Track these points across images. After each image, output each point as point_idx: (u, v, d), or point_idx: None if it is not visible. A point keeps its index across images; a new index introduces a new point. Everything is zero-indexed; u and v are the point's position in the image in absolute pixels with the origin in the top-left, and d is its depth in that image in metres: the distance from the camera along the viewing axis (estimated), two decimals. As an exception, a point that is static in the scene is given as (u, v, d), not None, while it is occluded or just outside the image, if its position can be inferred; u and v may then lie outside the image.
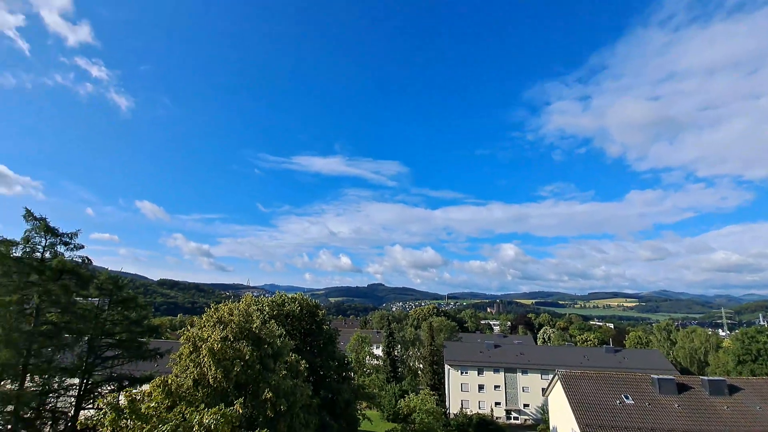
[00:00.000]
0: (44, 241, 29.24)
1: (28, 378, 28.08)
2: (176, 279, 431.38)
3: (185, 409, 14.38)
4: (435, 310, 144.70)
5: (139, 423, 12.61)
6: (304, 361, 25.64)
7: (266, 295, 40.84)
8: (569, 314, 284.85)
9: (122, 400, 15.02)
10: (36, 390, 28.25)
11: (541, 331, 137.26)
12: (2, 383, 28.09)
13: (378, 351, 70.36)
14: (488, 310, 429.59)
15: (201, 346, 19.30)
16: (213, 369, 18.66)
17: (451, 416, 62.64)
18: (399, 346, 71.60)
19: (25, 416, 28.04)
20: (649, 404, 34.18)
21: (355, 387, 37.16)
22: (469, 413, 63.79)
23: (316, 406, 27.87)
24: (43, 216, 29.11)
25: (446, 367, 69.37)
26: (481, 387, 69.25)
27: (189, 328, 21.80)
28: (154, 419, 12.81)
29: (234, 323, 21.62)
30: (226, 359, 19.47)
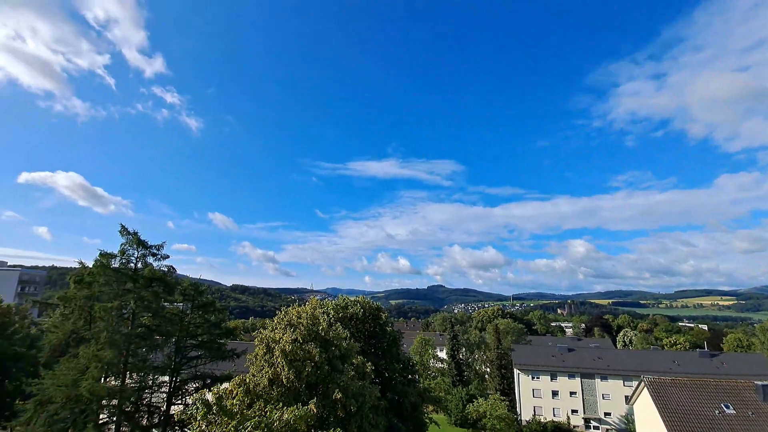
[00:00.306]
0: (136, 253, 32.56)
1: (128, 375, 31.55)
2: (246, 284, 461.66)
3: (263, 407, 15.15)
4: (500, 311, 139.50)
5: (226, 418, 13.51)
6: (369, 363, 25.87)
7: (329, 299, 42.03)
8: (653, 315, 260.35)
9: (209, 397, 16.23)
10: (135, 386, 31.51)
11: (620, 334, 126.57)
12: (108, 380, 31.85)
13: (442, 354, 69.28)
14: (558, 311, 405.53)
15: (274, 348, 20.22)
16: (286, 369, 19.43)
17: (524, 423, 59.70)
18: (463, 349, 69.88)
19: (127, 410, 31.38)
20: (753, 414, 30.00)
21: (421, 390, 36.74)
22: (542, 420, 60.32)
23: (384, 408, 27.92)
24: (135, 230, 32.52)
25: (515, 371, 66.35)
26: (555, 393, 65.23)
27: (262, 330, 22.94)
28: (238, 415, 13.65)
29: (302, 326, 22.39)
30: (297, 360, 20.21)
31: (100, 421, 30.86)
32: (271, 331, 22.72)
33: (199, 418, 13.80)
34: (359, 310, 31.94)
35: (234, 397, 16.11)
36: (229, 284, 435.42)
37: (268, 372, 19.89)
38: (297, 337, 20.83)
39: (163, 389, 33.81)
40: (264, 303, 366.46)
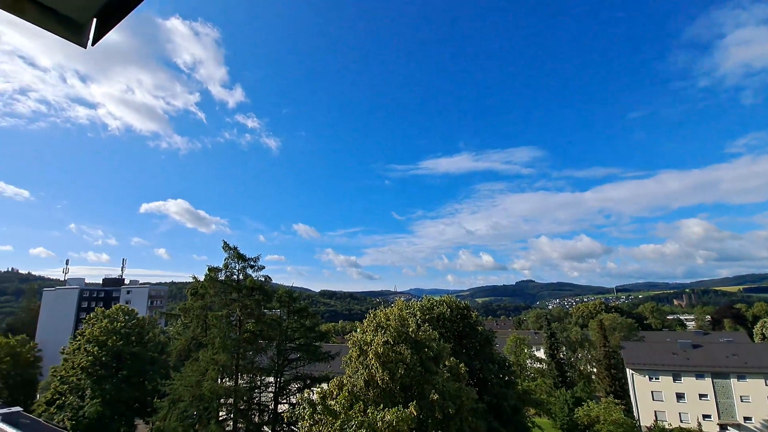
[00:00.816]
0: (237, 266, 35.68)
1: (239, 377, 34.68)
2: (333, 289, 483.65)
3: (362, 407, 15.33)
4: (602, 306, 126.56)
5: (330, 418, 13.91)
6: (462, 365, 24.94)
7: (413, 300, 41.76)
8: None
9: (314, 397, 16.97)
10: (246, 386, 34.44)
11: (757, 325, 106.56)
12: (223, 381, 35.35)
13: (539, 353, 64.88)
14: (675, 302, 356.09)
15: (367, 350, 20.42)
16: (380, 371, 19.49)
17: (644, 429, 53.06)
18: (564, 347, 64.56)
19: (241, 408, 34.40)
20: None
21: (521, 392, 34.58)
22: (667, 427, 53.02)
23: (482, 410, 26.69)
24: (235, 246, 35.70)
25: (628, 371, 59.33)
26: (679, 396, 56.90)
27: (354, 333, 23.37)
28: (342, 415, 13.97)
29: (392, 328, 22.35)
30: (390, 362, 20.18)
31: (220, 418, 34.36)
32: (362, 334, 23.06)
33: (306, 416, 14.38)
34: (446, 310, 31.12)
35: (339, 398, 16.53)
36: (317, 290, 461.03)
37: (363, 374, 20.15)
38: (388, 339, 20.82)
39: (270, 389, 36.49)
40: (351, 306, 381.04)
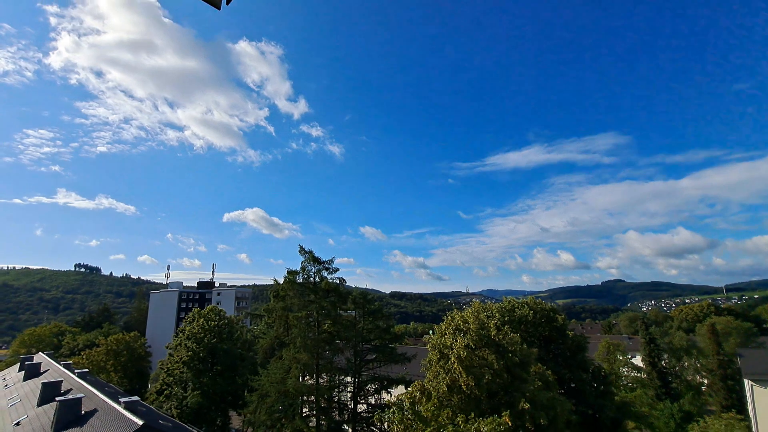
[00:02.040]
0: (313, 269, 36.97)
1: (320, 375, 35.85)
2: (403, 291, 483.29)
3: (450, 414, 14.65)
4: (711, 307, 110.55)
5: (420, 424, 13.45)
6: (550, 372, 23.04)
7: (489, 301, 39.77)
8: None
9: (400, 400, 16.70)
10: (326, 385, 35.48)
11: None
12: (305, 379, 36.81)
13: (635, 360, 58.30)
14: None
15: (448, 354, 19.66)
16: (464, 376, 18.61)
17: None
18: (665, 354, 57.27)
19: (322, 405, 35.49)
20: None
21: (619, 403, 31.19)
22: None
23: (576, 422, 24.43)
24: (310, 249, 37.06)
25: (747, 383, 50.86)
26: (819, 415, 47.36)
27: (432, 336, 22.73)
28: (433, 423, 13.45)
29: (472, 331, 21.31)
30: (473, 367, 19.20)
31: (304, 414, 35.81)
32: (441, 337, 22.32)
33: (396, 421, 14.08)
34: (528, 312, 29.10)
35: (428, 403, 16.02)
36: (387, 292, 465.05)
37: (445, 378, 19.40)
38: (469, 343, 19.85)
39: (348, 389, 37.23)
40: (421, 308, 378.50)
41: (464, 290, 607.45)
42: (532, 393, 18.45)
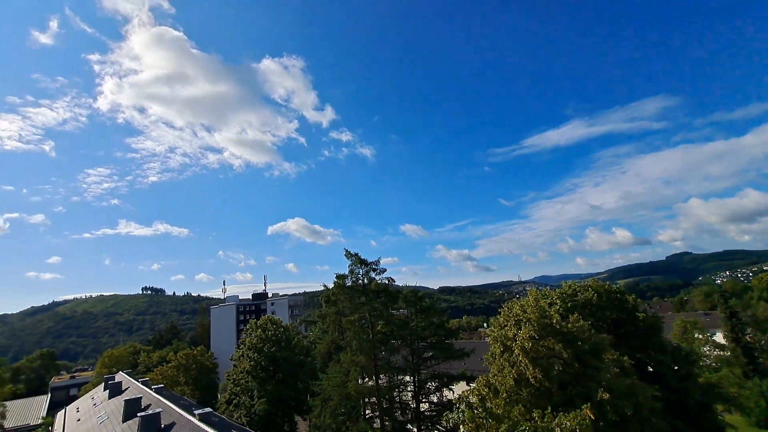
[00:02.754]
0: (361, 271, 37.03)
1: (379, 377, 35.83)
2: (451, 285, 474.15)
3: (522, 410, 13.87)
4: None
5: (493, 422, 12.79)
6: (626, 357, 21.39)
7: (542, 288, 38.08)
8: None
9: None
10: (386, 386, 35.39)
11: None
12: (365, 380, 36.95)
13: (717, 338, 53.34)
14: None
15: (512, 346, 18.76)
16: (531, 368, 17.67)
17: None
18: (749, 328, 52.00)
19: (384, 406, 35.43)
20: None
21: (705, 386, 28.56)
22: None
23: (660, 409, 22.55)
24: (356, 252, 37.15)
25: None
26: None
27: (494, 329, 21.86)
28: (506, 420, 12.75)
29: (533, 320, 20.23)
30: (540, 358, 18.19)
31: (367, 416, 35.96)
32: (501, 329, 21.40)
33: (466, 420, 13.49)
34: (592, 296, 27.29)
35: (498, 400, 15.29)
36: (435, 287, 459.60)
37: (511, 372, 18.53)
38: (533, 334, 18.81)
39: (409, 388, 36.93)
40: (472, 301, 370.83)
41: (515, 279, 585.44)
42: (609, 381, 17.14)
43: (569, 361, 18.62)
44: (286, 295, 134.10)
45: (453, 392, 35.29)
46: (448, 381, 35.72)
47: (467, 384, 33.86)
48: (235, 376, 52.68)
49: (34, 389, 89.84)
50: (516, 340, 18.84)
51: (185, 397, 56.35)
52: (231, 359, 58.35)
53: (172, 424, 26.21)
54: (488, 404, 13.75)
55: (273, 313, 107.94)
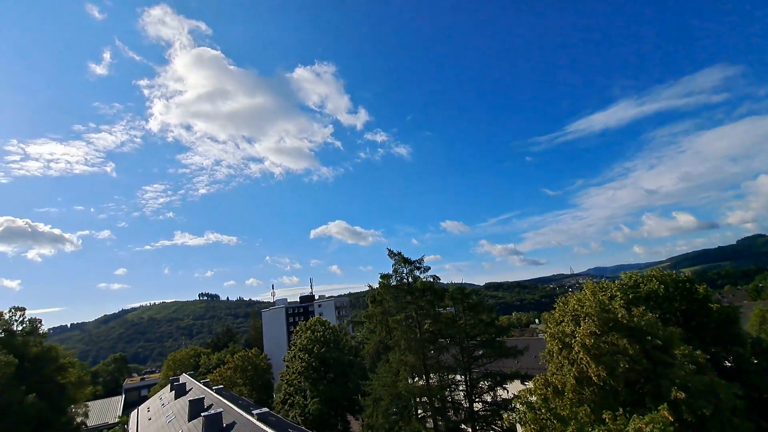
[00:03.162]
0: (405, 270, 36.78)
1: (429, 376, 35.38)
2: (498, 281, 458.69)
3: (587, 410, 12.97)
4: None
5: (558, 424, 12.05)
6: (699, 352, 19.53)
7: (599, 280, 35.85)
8: None
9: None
10: (437, 385, 34.87)
11: None
12: (415, 380, 36.64)
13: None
14: None
15: (571, 343, 17.71)
16: (593, 366, 16.58)
17: None
18: None
19: (436, 406, 34.93)
20: None
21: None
22: None
23: (743, 408, 20.41)
24: (399, 251, 36.97)
25: None
26: None
27: (548, 324, 20.82)
28: (573, 422, 11.96)
29: (592, 314, 18.99)
30: (603, 355, 17.01)
31: (419, 415, 35.63)
32: (556, 325, 20.30)
33: (528, 421, 12.84)
34: (658, 286, 25.26)
35: (557, 399, 14.48)
36: (481, 284, 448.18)
37: (571, 370, 17.50)
38: (594, 329, 17.64)
39: (461, 387, 36.17)
40: (521, 296, 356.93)
41: (567, 272, 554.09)
42: (683, 379, 15.69)
43: (637, 358, 17.30)
44: (332, 296, 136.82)
45: (507, 391, 34.14)
46: (502, 380, 34.60)
47: (522, 383, 32.64)
48: (288, 376, 54.33)
49: (111, 390, 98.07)
50: (575, 337, 17.77)
51: (243, 397, 58.91)
52: (284, 360, 60.28)
53: (233, 424, 27.36)
54: (552, 404, 12.95)
55: (320, 315, 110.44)
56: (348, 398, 50.86)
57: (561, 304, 21.38)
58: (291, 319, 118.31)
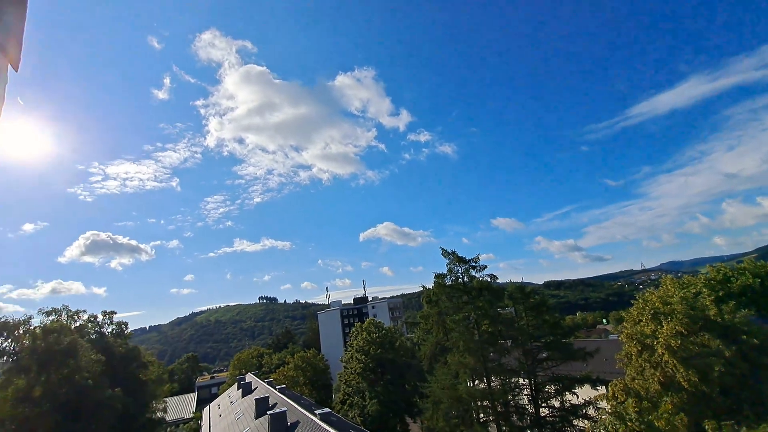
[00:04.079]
0: (460, 269, 35.83)
1: (490, 379, 34.07)
2: (558, 279, 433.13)
3: (686, 422, 11.53)
4: None
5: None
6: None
7: (679, 276, 32.44)
8: None
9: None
10: (500, 388, 33.46)
11: None
12: (476, 383, 35.46)
13: None
14: None
15: (652, 344, 16.04)
16: (681, 370, 14.84)
17: None
18: None
19: (499, 410, 33.51)
20: None
21: None
22: None
23: None
24: (453, 250, 36.09)
25: None
26: None
27: (626, 326, 19.10)
28: None
29: (677, 312, 17.08)
30: (692, 357, 15.20)
31: (481, 420, 34.39)
32: (634, 325, 18.53)
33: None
34: (752, 280, 22.29)
35: (660, 411, 13.09)
36: (540, 282, 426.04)
37: (655, 374, 15.82)
38: (680, 329, 15.83)
39: (525, 392, 34.41)
40: (586, 295, 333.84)
41: (637, 267, 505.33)
42: (800, 387, 13.54)
43: (733, 360, 15.27)
44: (384, 298, 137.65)
45: (577, 396, 31.95)
46: (570, 384, 32.43)
47: (593, 387, 30.40)
48: (346, 377, 55.16)
49: (184, 387, 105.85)
50: (657, 337, 16.05)
51: (305, 396, 60.77)
52: (341, 361, 61.34)
53: (297, 423, 28.13)
54: (648, 418, 11.61)
55: (374, 316, 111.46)
56: (406, 400, 50.54)
57: (639, 301, 19.51)
58: (346, 321, 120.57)
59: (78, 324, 46.39)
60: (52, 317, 43.32)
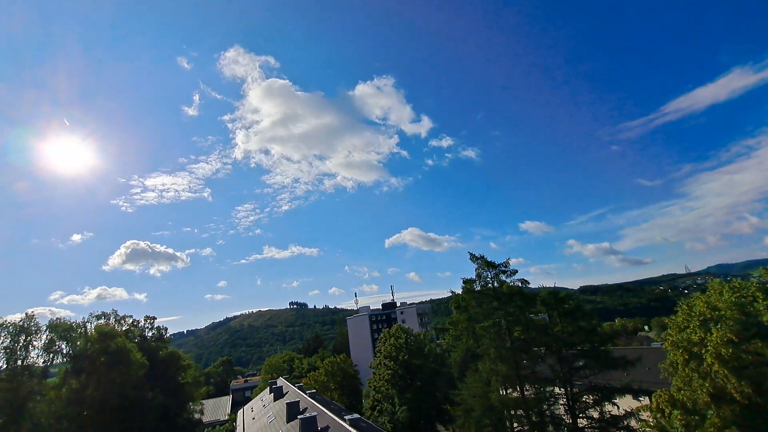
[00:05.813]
0: (489, 274, 35.08)
1: (525, 387, 33.02)
2: (595, 284, 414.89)
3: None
4: None
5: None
6: None
7: (728, 280, 30.38)
8: None
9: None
10: (533, 397, 32.37)
11: None
12: (508, 392, 34.47)
13: None
14: None
15: (700, 353, 15.08)
16: (733, 380, 13.85)
17: None
18: None
19: (534, 420, 32.39)
20: None
21: None
22: None
23: None
24: (482, 255, 35.43)
25: None
26: None
27: (670, 333, 18.08)
28: None
29: (727, 318, 16.00)
30: (746, 367, 14.16)
31: (515, 429, 33.35)
32: (680, 332, 17.48)
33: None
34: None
35: (690, 418, 12.33)
36: (575, 287, 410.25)
37: (703, 385, 14.83)
38: (731, 336, 14.79)
39: (561, 401, 33.13)
40: (625, 300, 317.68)
41: (682, 271, 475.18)
42: None
43: (794, 373, 14.10)
44: (413, 303, 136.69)
45: (618, 407, 30.43)
46: (610, 394, 30.95)
47: (634, 398, 28.88)
48: (375, 383, 55.05)
49: (219, 390, 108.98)
50: (706, 345, 15.06)
51: (334, 401, 61.09)
52: (370, 366, 61.30)
53: (327, 428, 28.29)
54: (696, 431, 10.93)
55: (403, 322, 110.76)
56: (436, 407, 49.81)
57: (685, 307, 18.42)
58: (374, 326, 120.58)
59: (125, 328, 48.93)
60: (101, 321, 45.96)
